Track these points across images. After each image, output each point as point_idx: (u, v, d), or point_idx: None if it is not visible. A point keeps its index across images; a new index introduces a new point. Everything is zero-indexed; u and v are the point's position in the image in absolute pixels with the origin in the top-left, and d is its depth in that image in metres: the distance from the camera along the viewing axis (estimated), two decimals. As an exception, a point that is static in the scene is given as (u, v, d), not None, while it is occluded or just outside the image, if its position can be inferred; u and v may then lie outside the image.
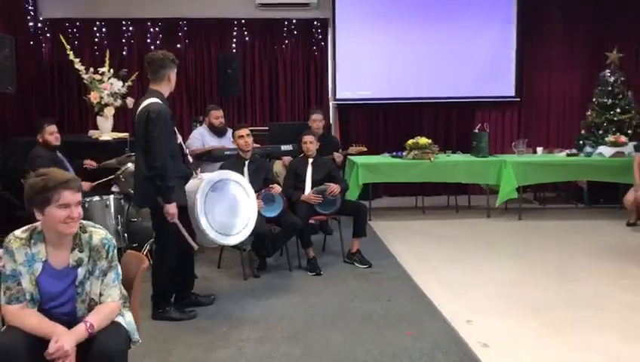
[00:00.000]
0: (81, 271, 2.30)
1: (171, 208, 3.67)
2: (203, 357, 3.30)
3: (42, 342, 2.17)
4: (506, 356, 3.30)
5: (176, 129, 3.87)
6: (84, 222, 2.35)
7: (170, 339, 3.55)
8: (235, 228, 4.06)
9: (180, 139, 3.95)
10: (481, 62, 8.53)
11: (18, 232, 2.29)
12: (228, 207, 4.05)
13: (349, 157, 7.18)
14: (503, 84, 8.64)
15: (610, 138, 7.19)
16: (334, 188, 5.05)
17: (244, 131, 4.91)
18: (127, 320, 2.41)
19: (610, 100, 7.63)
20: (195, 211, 3.83)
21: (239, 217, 4.10)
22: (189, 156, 4.05)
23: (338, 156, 6.18)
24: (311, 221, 5.22)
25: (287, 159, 5.96)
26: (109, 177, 5.26)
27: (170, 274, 3.92)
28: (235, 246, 4.61)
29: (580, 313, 3.96)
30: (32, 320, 2.21)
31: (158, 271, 3.89)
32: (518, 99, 8.76)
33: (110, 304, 2.32)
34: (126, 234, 5.06)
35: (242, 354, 3.34)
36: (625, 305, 4.08)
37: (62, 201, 2.19)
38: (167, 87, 3.83)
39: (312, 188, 5.15)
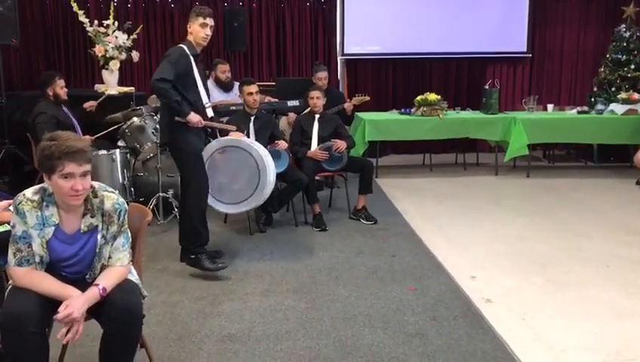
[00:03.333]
0: (99, 237, 2.28)
1: (191, 118, 3.76)
2: (208, 310, 3.34)
3: (52, 303, 2.16)
4: (509, 311, 3.32)
5: (198, 79, 3.88)
6: (95, 184, 2.30)
7: (176, 292, 3.60)
8: (230, 197, 4.09)
9: (203, 93, 3.95)
10: (492, 16, 8.32)
11: (29, 193, 2.23)
12: (229, 174, 4.08)
13: (356, 113, 7.11)
14: (514, 39, 8.45)
15: (623, 95, 7.06)
16: (341, 144, 5.02)
17: (254, 88, 4.84)
18: (135, 276, 2.42)
19: (624, 56, 7.45)
20: None
21: (239, 188, 4.11)
22: (208, 110, 4.02)
23: (349, 106, 6.12)
24: (317, 178, 5.21)
25: (292, 117, 5.91)
26: (109, 130, 5.26)
27: (202, 216, 3.90)
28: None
29: (586, 269, 3.96)
30: (43, 282, 2.19)
31: (188, 214, 3.88)
32: (530, 55, 8.59)
33: (119, 268, 2.31)
34: (132, 189, 5.07)
35: (247, 306, 3.38)
36: (631, 262, 4.08)
37: (65, 172, 2.11)
38: (192, 37, 3.87)
39: (318, 145, 5.12)
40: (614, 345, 2.92)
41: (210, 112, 4.05)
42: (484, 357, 2.80)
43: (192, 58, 3.82)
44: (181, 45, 3.85)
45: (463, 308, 3.35)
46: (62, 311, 2.09)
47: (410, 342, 2.95)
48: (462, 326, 3.12)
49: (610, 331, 3.07)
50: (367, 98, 6.52)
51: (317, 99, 5.21)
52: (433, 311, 3.30)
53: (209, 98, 4.08)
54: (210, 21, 3.86)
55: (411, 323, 3.16)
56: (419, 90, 7.76)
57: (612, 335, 3.03)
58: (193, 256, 3.85)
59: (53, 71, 5.79)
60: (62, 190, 2.15)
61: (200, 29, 3.84)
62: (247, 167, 4.10)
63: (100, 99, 5.51)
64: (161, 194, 4.96)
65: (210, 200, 4.06)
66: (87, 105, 5.45)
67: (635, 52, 7.43)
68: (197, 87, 3.89)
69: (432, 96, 6.88)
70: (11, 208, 2.49)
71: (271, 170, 4.15)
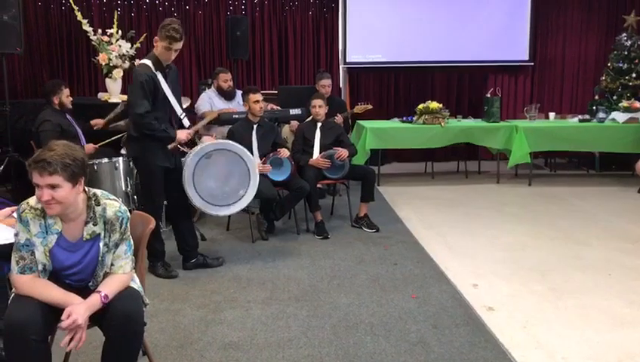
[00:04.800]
0: (101, 245, 2.29)
1: (180, 137, 3.91)
2: (211, 317, 3.35)
3: (55, 311, 2.17)
4: (510, 319, 3.32)
5: (168, 93, 3.87)
6: (97, 192, 2.31)
7: (178, 300, 3.61)
8: (224, 199, 4.15)
9: (176, 105, 3.96)
10: (494, 25, 8.37)
11: (32, 202, 2.24)
12: (220, 177, 4.13)
13: (358, 121, 7.13)
14: (516, 47, 8.49)
15: (624, 103, 7.07)
16: (343, 152, 5.03)
17: (260, 96, 4.88)
18: (138, 284, 2.43)
19: (625, 65, 7.47)
20: (183, 176, 3.97)
21: (231, 189, 4.17)
22: (184, 120, 4.08)
23: (338, 118, 6.10)
24: (319, 185, 5.23)
25: (295, 124, 5.93)
26: (113, 138, 5.27)
27: (156, 232, 4.03)
28: (244, 210, 4.64)
29: (587, 277, 3.96)
30: (45, 289, 2.20)
31: None
32: (532, 64, 8.62)
33: (122, 275, 2.31)
34: (135, 197, 5.08)
35: (249, 314, 3.39)
36: (633, 271, 4.08)
37: (33, 181, 2.12)
38: (157, 52, 3.82)
39: (320, 153, 5.13)
40: (615, 353, 2.92)
41: (186, 122, 4.10)
42: (486, 365, 2.80)
43: (158, 74, 3.79)
44: (146, 63, 3.79)
45: (465, 316, 3.35)
46: (66, 319, 2.09)
47: (412, 350, 2.95)
48: (463, 334, 3.12)
49: (612, 339, 3.07)
50: (370, 106, 6.53)
51: (319, 108, 5.23)
52: (435, 319, 3.30)
53: (183, 108, 4.10)
54: (177, 46, 3.75)
55: (413, 331, 3.16)
56: (421, 98, 7.80)
57: (613, 343, 3.03)
58: (151, 264, 4.01)
59: (59, 80, 5.80)
60: (37, 197, 2.17)
61: (165, 52, 3.78)
62: (235, 165, 4.16)
63: (108, 118, 5.46)
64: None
65: (208, 208, 4.11)
66: (94, 122, 5.44)
67: (637, 60, 7.45)
68: (167, 101, 3.88)
69: (434, 105, 6.89)
70: (14, 215, 2.51)
71: (255, 162, 4.28)
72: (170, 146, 3.88)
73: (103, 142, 5.25)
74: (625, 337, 3.10)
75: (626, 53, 7.48)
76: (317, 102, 5.25)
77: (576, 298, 3.62)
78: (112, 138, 5.31)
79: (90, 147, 5.05)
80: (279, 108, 5.97)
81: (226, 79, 5.82)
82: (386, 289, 3.76)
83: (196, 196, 4.03)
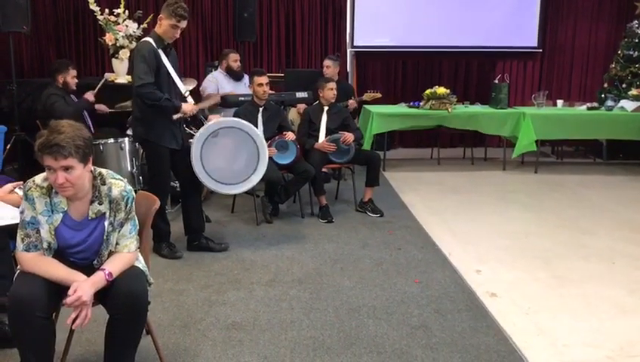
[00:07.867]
0: (106, 224, 2.30)
1: (185, 109, 3.89)
2: (214, 298, 3.37)
3: (60, 288, 2.19)
4: (513, 306, 3.33)
5: (171, 70, 3.86)
6: (103, 172, 2.32)
7: (182, 280, 3.63)
8: (233, 177, 4.13)
9: (179, 82, 3.96)
10: (503, 10, 8.27)
11: (38, 180, 2.25)
12: (228, 155, 4.11)
13: (365, 106, 7.11)
14: (525, 34, 8.39)
15: (634, 92, 7.01)
16: (348, 136, 5.02)
17: (264, 79, 4.85)
18: (142, 263, 2.45)
19: (636, 53, 7.38)
20: (191, 156, 3.95)
21: (239, 168, 4.14)
22: (189, 98, 4.06)
23: (352, 103, 6.09)
24: (324, 169, 5.22)
25: (302, 107, 5.92)
26: (101, 82, 5.32)
27: (162, 212, 4.04)
28: (248, 192, 4.65)
29: (591, 266, 3.96)
30: (50, 267, 2.21)
31: None
32: (541, 50, 8.53)
33: (127, 254, 2.33)
34: (141, 178, 5.10)
35: (253, 296, 3.41)
36: (636, 259, 4.07)
37: (45, 164, 2.13)
38: (160, 30, 3.81)
39: (326, 136, 5.12)
40: (617, 341, 2.93)
41: (190, 100, 4.08)
42: (487, 350, 2.81)
43: (160, 51, 3.79)
44: (148, 40, 3.79)
45: (467, 301, 3.36)
46: (71, 295, 2.11)
47: (414, 334, 2.96)
48: (465, 319, 3.13)
49: (614, 327, 3.08)
50: (379, 95, 6.51)
51: (334, 90, 5.19)
52: (437, 304, 3.31)
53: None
54: (184, 24, 3.80)
55: (415, 315, 3.17)
56: (428, 83, 7.74)
57: (615, 331, 3.03)
58: (156, 244, 4.04)
59: (67, 60, 5.79)
60: (50, 180, 2.18)
61: (170, 29, 3.78)
62: (243, 143, 4.13)
63: (98, 86, 5.44)
64: (169, 183, 4.98)
65: (217, 186, 4.10)
66: (99, 108, 5.39)
67: (647, 48, 7.37)
68: (170, 78, 3.89)
69: (441, 90, 6.84)
70: (18, 191, 2.53)
71: (264, 140, 4.21)
72: (175, 117, 3.87)
73: (97, 87, 5.28)
74: (626, 325, 3.10)
75: (637, 40, 7.39)
76: (331, 85, 5.21)
77: (579, 286, 3.62)
78: (116, 111, 5.32)
79: (90, 95, 5.08)
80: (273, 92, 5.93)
81: (235, 59, 5.82)
82: (389, 273, 3.77)
83: (205, 175, 4.02)
